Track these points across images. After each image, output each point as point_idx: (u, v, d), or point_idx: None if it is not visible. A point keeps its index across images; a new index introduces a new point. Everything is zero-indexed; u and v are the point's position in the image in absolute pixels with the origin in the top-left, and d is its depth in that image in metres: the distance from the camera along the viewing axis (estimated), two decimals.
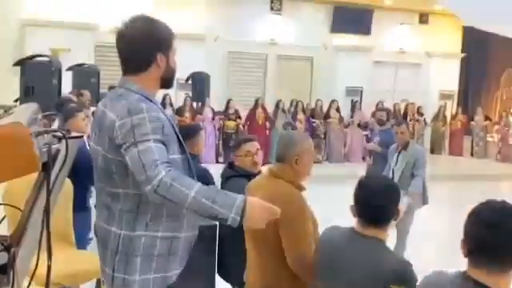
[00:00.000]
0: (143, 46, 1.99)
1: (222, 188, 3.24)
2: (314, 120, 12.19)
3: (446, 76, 14.86)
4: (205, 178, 3.51)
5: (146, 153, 1.82)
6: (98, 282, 3.55)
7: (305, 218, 2.25)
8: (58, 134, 1.65)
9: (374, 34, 13.98)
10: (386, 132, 6.80)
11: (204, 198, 1.78)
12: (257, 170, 3.20)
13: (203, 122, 11.19)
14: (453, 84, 15.24)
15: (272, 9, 13.48)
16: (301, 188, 2.37)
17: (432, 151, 13.89)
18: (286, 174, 2.35)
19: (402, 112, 13.57)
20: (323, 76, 14.02)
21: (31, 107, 1.89)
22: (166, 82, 2.09)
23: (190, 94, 10.59)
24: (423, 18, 14.73)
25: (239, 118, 11.66)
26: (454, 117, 14.37)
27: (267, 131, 11.64)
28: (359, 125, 12.47)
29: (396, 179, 5.03)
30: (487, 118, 14.26)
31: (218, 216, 1.79)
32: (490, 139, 14.14)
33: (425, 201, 5.19)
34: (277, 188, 2.32)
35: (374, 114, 11.84)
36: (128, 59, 2.03)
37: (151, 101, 1.99)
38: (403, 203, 4.76)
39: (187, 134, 3.61)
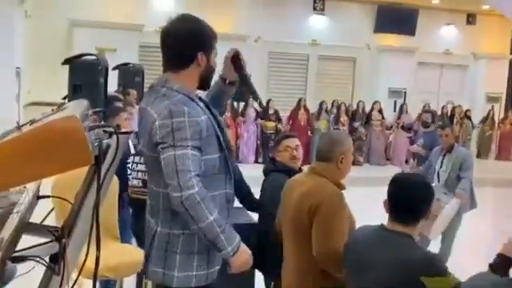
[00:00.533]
0: (186, 43, 2.03)
1: (262, 183, 3.33)
2: (354, 124, 11.95)
3: (493, 78, 14.41)
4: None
5: (182, 159, 1.89)
6: (139, 276, 3.63)
7: (342, 216, 2.27)
8: (109, 129, 1.71)
9: (419, 34, 13.68)
10: (430, 134, 6.67)
11: (218, 225, 1.91)
12: (297, 166, 3.26)
13: (245, 123, 11.25)
14: (501, 86, 14.76)
15: (315, 9, 13.40)
16: (342, 187, 2.39)
17: (478, 155, 13.49)
18: (330, 173, 2.38)
19: (449, 114, 13.23)
20: (366, 77, 13.85)
21: (82, 103, 1.95)
22: (204, 82, 2.12)
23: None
24: (470, 19, 14.34)
25: (279, 118, 11.63)
26: (503, 120, 13.88)
27: (309, 132, 11.59)
28: (403, 127, 12.24)
29: (442, 182, 4.93)
30: None
31: (218, 244, 1.93)
32: None
33: (473, 205, 5.03)
34: (319, 184, 2.35)
35: (420, 116, 11.61)
36: (170, 55, 2.06)
37: (193, 100, 2.02)
38: (452, 205, 4.64)
39: None
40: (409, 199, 1.96)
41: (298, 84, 13.67)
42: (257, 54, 12.79)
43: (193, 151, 1.91)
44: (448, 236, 4.86)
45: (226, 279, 2.13)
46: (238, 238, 1.99)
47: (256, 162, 11.20)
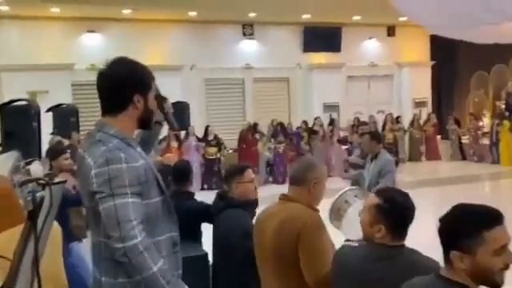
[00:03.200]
0: (122, 86, 1.99)
1: (216, 221, 3.10)
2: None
3: (418, 84, 15.18)
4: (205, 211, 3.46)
5: (122, 209, 1.85)
6: None
7: (323, 235, 2.29)
8: (42, 181, 1.73)
9: (345, 49, 14.27)
10: None
11: (162, 276, 1.87)
12: (257, 196, 3.17)
13: (187, 153, 11.24)
14: (425, 91, 15.56)
15: (244, 34, 13.72)
16: (316, 210, 2.41)
17: (410, 159, 14.17)
18: (303, 198, 2.39)
19: (382, 123, 13.77)
20: (300, 94, 14.27)
21: (13, 156, 1.97)
22: (144, 122, 2.08)
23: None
24: (390, 31, 15.09)
25: (220, 143, 11.75)
26: (425, 122, 14.53)
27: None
28: (339, 140, 12.66)
29: (366, 187, 5.16)
30: (457, 121, 14.46)
31: None
32: (465, 141, 14.32)
33: None
34: (294, 210, 2.35)
35: (355, 128, 12.07)
36: (107, 99, 2.03)
37: (130, 144, 2.00)
38: (355, 207, 4.85)
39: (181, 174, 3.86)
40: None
41: (236, 108, 13.88)
42: (193, 81, 12.92)
43: (132, 198, 1.88)
44: None
45: None
46: None
47: (202, 189, 11.18)
